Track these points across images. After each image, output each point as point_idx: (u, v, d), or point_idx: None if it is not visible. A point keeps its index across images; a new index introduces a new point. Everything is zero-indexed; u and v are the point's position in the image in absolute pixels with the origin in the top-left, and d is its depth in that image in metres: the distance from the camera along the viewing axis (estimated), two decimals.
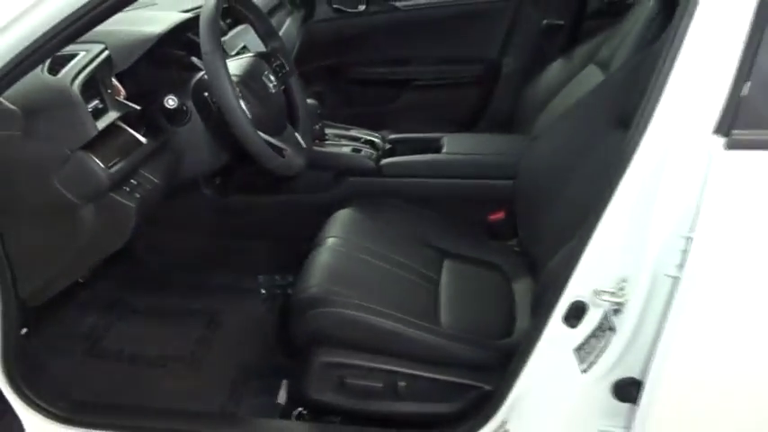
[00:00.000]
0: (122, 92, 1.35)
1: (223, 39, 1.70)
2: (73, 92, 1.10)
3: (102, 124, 1.14)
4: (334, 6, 2.48)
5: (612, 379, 1.05)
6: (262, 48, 1.58)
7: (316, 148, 1.81)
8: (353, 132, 1.97)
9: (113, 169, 1.13)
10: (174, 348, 1.69)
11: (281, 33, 2.07)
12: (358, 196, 1.78)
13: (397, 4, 2.46)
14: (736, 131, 0.85)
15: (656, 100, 0.91)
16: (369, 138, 1.94)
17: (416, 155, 1.87)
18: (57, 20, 0.97)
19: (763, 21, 0.83)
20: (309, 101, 1.82)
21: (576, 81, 1.98)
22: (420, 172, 1.84)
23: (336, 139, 1.91)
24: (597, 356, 1.04)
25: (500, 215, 1.79)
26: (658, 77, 0.91)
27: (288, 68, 1.54)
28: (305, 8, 2.47)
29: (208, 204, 1.86)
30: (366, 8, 2.47)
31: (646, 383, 0.95)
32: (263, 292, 1.91)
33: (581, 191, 1.27)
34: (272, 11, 2.21)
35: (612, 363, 1.03)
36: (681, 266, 0.87)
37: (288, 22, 2.24)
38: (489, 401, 1.20)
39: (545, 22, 2.36)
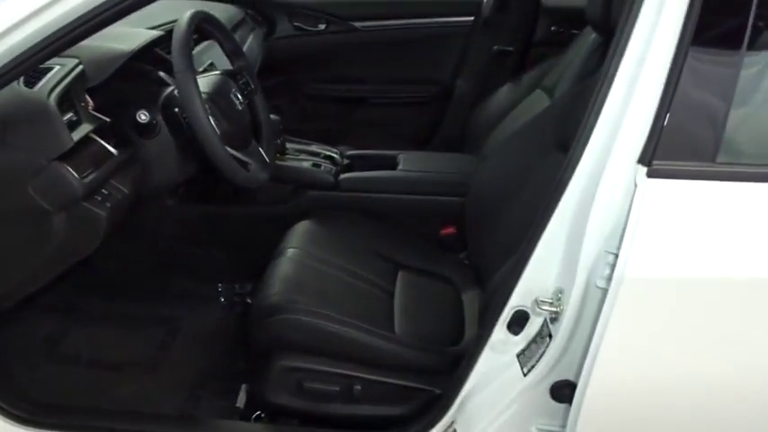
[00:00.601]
0: (91, 104, 1.39)
1: None
2: (50, 105, 1.14)
3: (76, 136, 1.19)
4: (295, 24, 2.56)
5: (550, 381, 1.15)
6: (228, 64, 1.66)
7: (277, 161, 1.88)
8: (313, 148, 2.04)
9: (87, 179, 1.18)
10: (132, 353, 1.72)
11: (244, 49, 2.15)
12: (317, 209, 1.85)
13: (356, 24, 2.55)
14: (656, 162, 0.98)
15: (591, 129, 1.03)
16: (328, 153, 2.02)
17: (373, 171, 1.96)
18: (40, 37, 1.02)
19: (680, 61, 0.95)
20: (272, 117, 1.89)
21: (523, 105, 2.11)
22: (376, 187, 1.93)
23: (297, 153, 1.98)
24: (537, 361, 1.15)
25: (451, 230, 1.89)
26: (593, 108, 1.03)
27: (253, 86, 1.61)
28: (267, 25, 2.54)
29: (168, 212, 1.90)
30: (326, 27, 2.56)
31: (578, 385, 1.05)
32: (223, 299, 1.96)
33: (523, 209, 1.38)
34: (236, 27, 2.28)
35: (550, 366, 1.13)
36: (608, 280, 0.98)
37: (250, 38, 2.31)
38: (439, 403, 1.30)
39: (495, 47, 2.49)
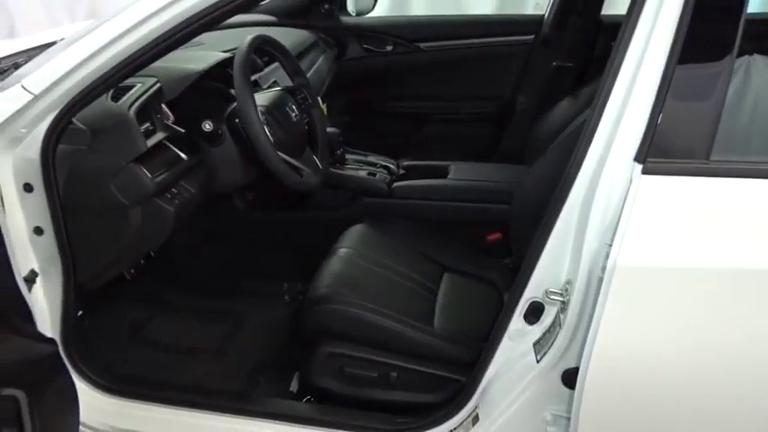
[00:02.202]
0: (171, 117, 1.61)
1: (259, 74, 1.97)
2: (129, 116, 1.36)
3: (151, 142, 1.40)
4: (364, 46, 2.74)
5: (561, 368, 1.22)
6: (290, 83, 1.85)
7: (335, 170, 2.06)
8: (371, 158, 2.20)
9: (158, 179, 1.39)
10: (203, 341, 1.91)
11: (313, 69, 2.35)
12: (371, 215, 2.00)
13: (422, 45, 2.70)
14: (650, 159, 1.05)
15: (594, 128, 1.11)
16: (384, 163, 2.17)
17: (425, 179, 2.09)
18: (122, 57, 1.23)
19: (670, 71, 1.03)
20: (332, 129, 2.07)
21: (580, 119, 2.17)
22: (427, 195, 2.05)
23: (355, 163, 2.14)
24: (549, 348, 1.23)
25: (497, 236, 1.98)
26: (596, 109, 1.11)
27: (311, 101, 1.79)
28: (338, 48, 2.74)
29: (240, 218, 2.11)
30: (393, 48, 2.73)
31: (579, 370, 1.12)
32: (287, 297, 2.14)
33: None
34: (308, 49, 2.48)
35: (560, 354, 1.21)
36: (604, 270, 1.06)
37: (321, 59, 2.50)
38: (463, 390, 1.39)
39: (555, 64, 2.56)
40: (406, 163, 2.23)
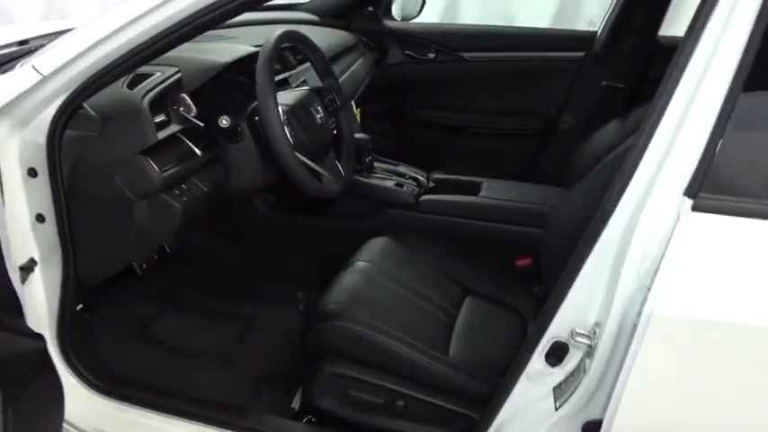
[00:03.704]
0: (194, 110, 1.54)
1: (290, 72, 1.89)
2: (142, 105, 1.29)
3: (162, 134, 1.32)
4: (406, 53, 2.65)
5: (582, 419, 1.10)
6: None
7: (361, 178, 1.96)
8: (401, 168, 2.10)
9: (166, 173, 1.31)
10: (209, 344, 1.84)
11: (349, 72, 2.27)
12: (395, 228, 1.90)
13: (465, 55, 2.59)
14: (702, 195, 0.92)
15: (640, 156, 0.99)
16: (414, 175, 2.07)
17: (454, 195, 1.98)
18: (136, 43, 1.16)
19: (732, 100, 0.90)
20: (361, 135, 1.98)
21: (627, 143, 2.03)
22: (455, 211, 1.94)
23: (383, 172, 2.04)
24: (570, 395, 1.10)
25: (527, 261, 1.86)
26: (643, 135, 0.99)
27: (339, 103, 1.70)
28: (378, 52, 2.65)
29: (259, 219, 2.03)
30: (435, 56, 2.62)
31: (603, 424, 1.00)
32: (301, 306, 2.05)
33: None
34: (346, 51, 2.40)
35: (582, 403, 1.08)
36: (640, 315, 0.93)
37: (359, 62, 2.42)
38: (474, 429, 1.27)
39: (605, 83, 2.42)
40: (436, 176, 2.12)
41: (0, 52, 1.54)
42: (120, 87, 1.33)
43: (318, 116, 1.58)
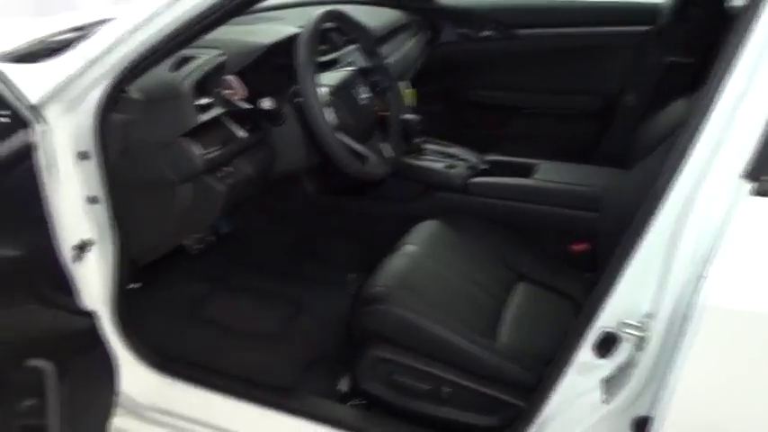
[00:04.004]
0: (243, 92, 1.54)
1: (337, 53, 1.86)
2: (184, 87, 1.29)
3: (204, 117, 1.33)
4: (459, 31, 2.57)
5: (632, 414, 1.04)
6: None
7: (409, 160, 1.92)
8: (453, 150, 2.05)
9: (209, 156, 1.31)
10: (260, 325, 1.85)
11: (401, 52, 2.22)
12: (445, 211, 1.85)
13: (521, 32, 2.50)
14: (765, 177, 0.84)
15: (696, 135, 0.92)
16: (466, 157, 2.01)
17: (505, 177, 1.91)
18: (173, 27, 1.16)
19: None
20: (411, 116, 1.93)
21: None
22: (505, 194, 1.88)
23: (434, 154, 2.00)
24: (619, 389, 1.05)
25: (583, 246, 1.78)
26: (700, 111, 0.92)
27: (385, 84, 1.66)
28: (431, 31, 2.59)
29: (309, 202, 2.03)
30: (489, 34, 2.54)
31: (654, 421, 0.94)
32: (351, 289, 2.04)
33: None
34: (398, 30, 2.35)
35: (632, 398, 1.03)
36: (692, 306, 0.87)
37: (411, 42, 2.37)
38: (520, 421, 1.23)
39: (670, 59, 2.28)
40: (490, 158, 2.06)
41: (59, 38, 1.58)
42: (164, 71, 1.33)
43: (362, 97, 1.55)
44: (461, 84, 2.66)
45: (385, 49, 2.12)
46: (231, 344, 1.80)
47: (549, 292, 1.66)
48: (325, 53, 1.82)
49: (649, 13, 2.30)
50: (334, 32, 1.87)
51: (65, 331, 1.16)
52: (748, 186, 0.85)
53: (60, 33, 1.64)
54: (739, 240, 0.84)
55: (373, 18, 2.19)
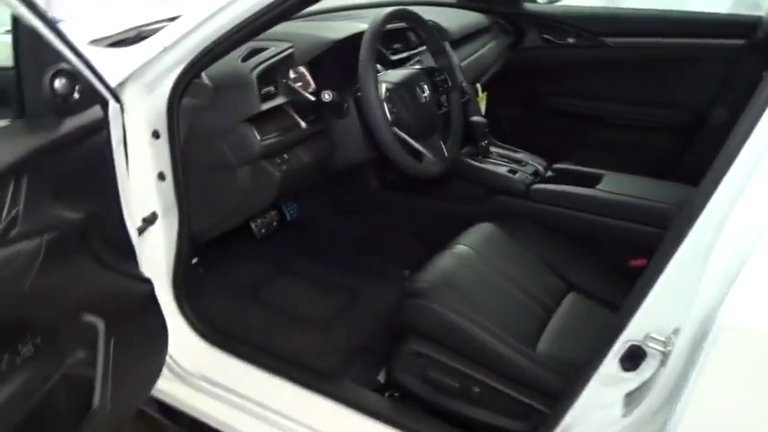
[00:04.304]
0: (312, 84, 1.61)
1: (410, 52, 1.90)
2: (250, 76, 1.37)
3: (267, 105, 1.40)
4: (544, 36, 2.54)
5: (653, 429, 1.01)
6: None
7: (474, 162, 1.93)
8: (519, 155, 2.03)
9: (266, 142, 1.39)
10: (313, 311, 1.92)
11: (478, 54, 2.23)
12: (505, 215, 1.85)
13: (608, 40, 2.43)
14: None
15: (738, 148, 0.89)
16: (532, 163, 1.99)
17: (567, 186, 1.88)
18: (239, 20, 1.24)
19: None
20: (478, 119, 1.94)
21: None
22: (566, 203, 1.84)
23: (500, 158, 1.99)
24: (638, 404, 1.02)
25: (642, 261, 1.71)
26: (743, 124, 0.89)
27: (450, 84, 1.68)
28: (515, 35, 2.57)
29: (372, 195, 2.08)
30: (575, 41, 2.49)
31: None
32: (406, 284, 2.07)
33: None
34: (478, 33, 2.36)
35: (650, 415, 1.00)
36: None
37: (490, 45, 2.36)
38: (544, 424, 1.22)
39: (766, 73, 2.15)
40: (557, 166, 2.02)
41: (152, 27, 1.71)
42: (234, 60, 1.42)
43: (424, 95, 1.58)
44: (541, 89, 2.62)
45: (461, 51, 2.14)
46: (282, 325, 1.87)
47: (598, 305, 1.62)
48: (398, 52, 1.87)
49: (744, 27, 2.18)
50: (410, 32, 1.91)
51: (121, 294, 1.26)
52: None
53: (157, 22, 1.78)
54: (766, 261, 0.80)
55: (452, 19, 2.21)
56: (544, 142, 2.38)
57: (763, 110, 0.86)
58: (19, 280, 0.98)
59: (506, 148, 2.07)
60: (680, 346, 0.92)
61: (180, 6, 2.09)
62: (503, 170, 1.93)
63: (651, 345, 0.98)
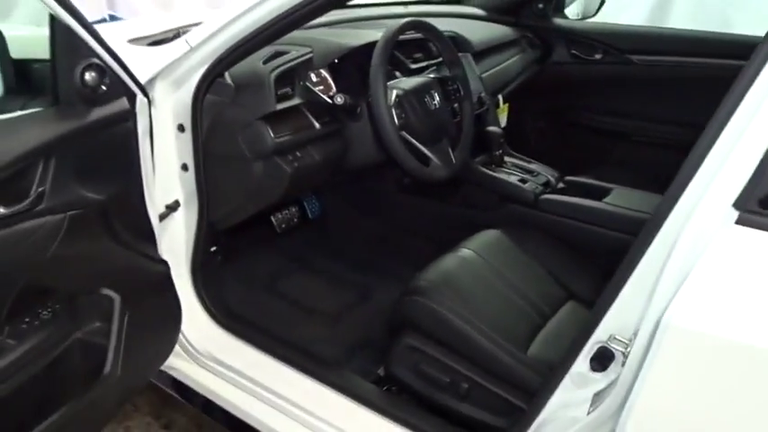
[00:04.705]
0: (333, 88, 1.71)
1: (431, 62, 1.98)
2: (268, 78, 1.48)
3: (282, 105, 1.50)
4: (572, 51, 2.58)
5: (611, 428, 1.06)
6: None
7: (486, 170, 1.99)
8: (533, 166, 2.08)
9: (279, 139, 1.49)
10: (325, 305, 2.01)
11: (501, 67, 2.29)
12: (515, 223, 1.90)
13: (635, 57, 2.46)
14: (751, 209, 0.84)
15: (700, 160, 0.94)
16: (543, 173, 2.04)
17: (574, 197, 1.92)
18: (259, 24, 1.34)
19: None
20: (494, 128, 2.00)
21: None
22: (573, 213, 1.88)
23: (512, 167, 2.05)
24: (600, 403, 1.07)
25: None
26: (708, 135, 0.93)
27: (462, 94, 1.75)
28: (542, 50, 2.62)
29: (389, 198, 2.16)
30: (602, 57, 2.52)
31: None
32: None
33: None
34: (504, 46, 2.42)
35: (609, 413, 1.04)
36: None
37: (515, 58, 2.42)
38: (521, 420, 1.27)
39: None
40: (569, 178, 2.07)
41: (189, 28, 1.84)
42: (256, 61, 1.53)
43: (434, 102, 1.65)
44: (567, 104, 2.66)
45: (484, 63, 2.21)
46: (292, 316, 1.97)
47: None
48: (418, 61, 1.95)
49: None
50: (430, 43, 1.99)
51: (137, 272, 1.37)
52: (735, 215, 0.86)
53: (194, 24, 1.91)
54: (711, 264, 0.85)
55: (478, 32, 2.28)
56: (564, 155, 2.41)
57: (728, 118, 0.90)
58: (42, 249, 1.11)
59: (521, 158, 2.12)
60: (636, 348, 0.97)
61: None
62: (514, 179, 1.98)
63: (614, 346, 1.03)
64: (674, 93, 2.42)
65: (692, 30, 2.45)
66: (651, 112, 2.49)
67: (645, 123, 2.50)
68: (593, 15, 2.67)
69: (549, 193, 1.97)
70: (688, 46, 2.39)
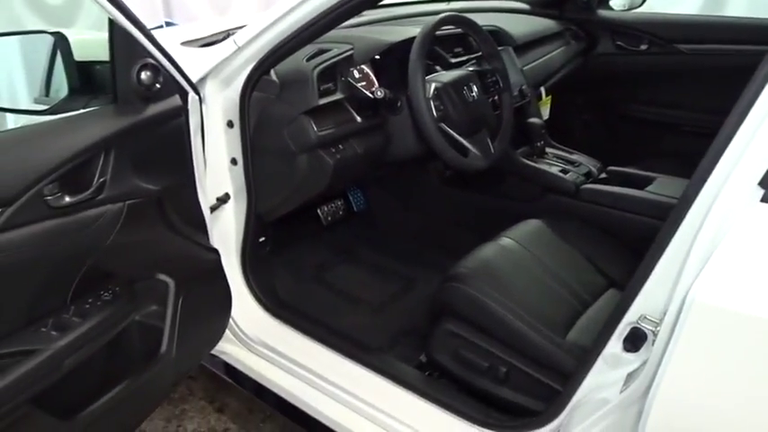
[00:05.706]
0: (375, 84, 1.76)
1: (471, 56, 2.01)
2: (311, 74, 1.55)
3: (325, 100, 1.57)
4: (617, 43, 2.57)
5: (640, 408, 1.07)
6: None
7: (528, 162, 2.01)
8: (574, 157, 2.09)
9: (322, 132, 1.55)
10: (370, 295, 2.07)
11: (543, 59, 2.31)
12: (556, 213, 1.91)
13: (682, 47, 2.42)
14: None
15: (727, 141, 0.95)
16: (585, 164, 2.04)
17: (615, 186, 1.91)
18: (302, 23, 1.41)
19: None
20: (535, 120, 2.02)
21: None
22: (614, 203, 1.88)
23: (554, 158, 2.06)
24: (632, 383, 1.08)
25: None
26: (730, 124, 0.94)
27: (501, 86, 1.78)
28: (587, 42, 2.61)
29: (433, 191, 2.20)
30: (648, 48, 2.50)
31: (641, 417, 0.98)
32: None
33: None
34: (548, 38, 2.43)
35: (640, 392, 1.06)
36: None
37: (558, 51, 2.43)
38: (556, 402, 1.30)
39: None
40: (611, 168, 2.06)
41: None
42: (299, 58, 1.60)
43: (472, 95, 1.69)
44: (614, 96, 2.64)
45: (527, 56, 2.23)
46: (338, 305, 2.03)
47: None
48: (458, 55, 1.99)
49: None
50: (470, 37, 2.02)
51: (190, 259, 1.46)
52: (761, 193, 0.87)
53: (243, 26, 2.00)
54: (738, 242, 0.86)
55: (520, 25, 2.30)
56: (609, 147, 2.40)
57: (754, 100, 0.91)
58: (103, 235, 1.20)
59: (563, 149, 2.13)
60: (663, 327, 0.99)
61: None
62: (555, 170, 2.00)
63: (645, 326, 1.04)
64: (722, 81, 2.36)
65: (738, 17, 2.41)
66: (699, 101, 2.44)
67: (693, 113, 2.46)
68: (639, 6, 2.64)
69: (590, 182, 1.97)
70: (735, 33, 2.34)
